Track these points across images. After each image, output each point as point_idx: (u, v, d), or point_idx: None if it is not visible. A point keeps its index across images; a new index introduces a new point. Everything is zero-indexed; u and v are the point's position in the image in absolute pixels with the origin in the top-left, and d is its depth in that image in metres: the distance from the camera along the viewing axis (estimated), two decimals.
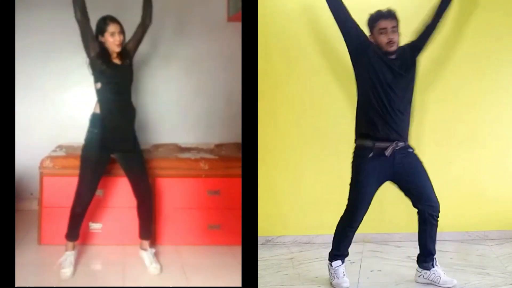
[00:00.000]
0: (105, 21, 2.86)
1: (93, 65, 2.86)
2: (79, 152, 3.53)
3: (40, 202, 3.40)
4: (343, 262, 2.80)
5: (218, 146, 4.03)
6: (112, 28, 2.84)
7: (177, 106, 4.23)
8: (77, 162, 3.37)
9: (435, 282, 2.71)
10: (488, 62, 3.34)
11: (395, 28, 2.60)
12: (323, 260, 3.15)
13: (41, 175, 3.39)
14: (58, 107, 4.20)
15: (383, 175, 2.66)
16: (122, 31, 2.87)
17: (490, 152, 3.40)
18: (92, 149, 2.91)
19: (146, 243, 3.09)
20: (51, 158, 3.44)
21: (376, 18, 2.63)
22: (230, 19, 4.11)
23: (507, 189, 3.40)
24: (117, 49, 2.86)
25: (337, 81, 3.42)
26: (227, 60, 4.18)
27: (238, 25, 3.60)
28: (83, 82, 4.16)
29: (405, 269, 2.96)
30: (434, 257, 2.73)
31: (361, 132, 2.68)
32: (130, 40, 2.97)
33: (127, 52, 2.95)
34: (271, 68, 3.42)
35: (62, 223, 3.36)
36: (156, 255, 3.10)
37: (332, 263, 2.80)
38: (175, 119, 4.19)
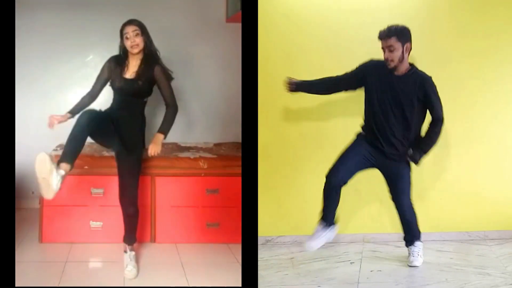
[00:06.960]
0: (123, 25, 2.87)
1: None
2: None
3: (41, 201, 3.41)
4: (327, 226, 2.86)
5: (217, 145, 4.04)
6: (126, 30, 2.85)
7: None
8: (77, 161, 3.40)
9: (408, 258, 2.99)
10: (486, 60, 3.33)
11: (391, 47, 2.71)
12: (323, 260, 3.16)
13: None
14: (59, 106, 4.18)
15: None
16: (140, 33, 2.85)
17: (490, 151, 3.38)
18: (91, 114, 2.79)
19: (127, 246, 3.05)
20: (52, 157, 3.43)
21: (379, 37, 2.76)
22: (228, 20, 4.11)
23: (506, 189, 3.39)
24: (133, 51, 2.86)
25: None
26: (225, 60, 4.19)
27: (237, 26, 3.60)
28: (83, 82, 4.19)
29: (405, 269, 2.96)
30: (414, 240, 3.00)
31: None
32: (160, 88, 2.97)
33: (144, 74, 2.91)
34: (271, 68, 3.41)
35: (63, 222, 3.40)
36: (155, 253, 3.10)
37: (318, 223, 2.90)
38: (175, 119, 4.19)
